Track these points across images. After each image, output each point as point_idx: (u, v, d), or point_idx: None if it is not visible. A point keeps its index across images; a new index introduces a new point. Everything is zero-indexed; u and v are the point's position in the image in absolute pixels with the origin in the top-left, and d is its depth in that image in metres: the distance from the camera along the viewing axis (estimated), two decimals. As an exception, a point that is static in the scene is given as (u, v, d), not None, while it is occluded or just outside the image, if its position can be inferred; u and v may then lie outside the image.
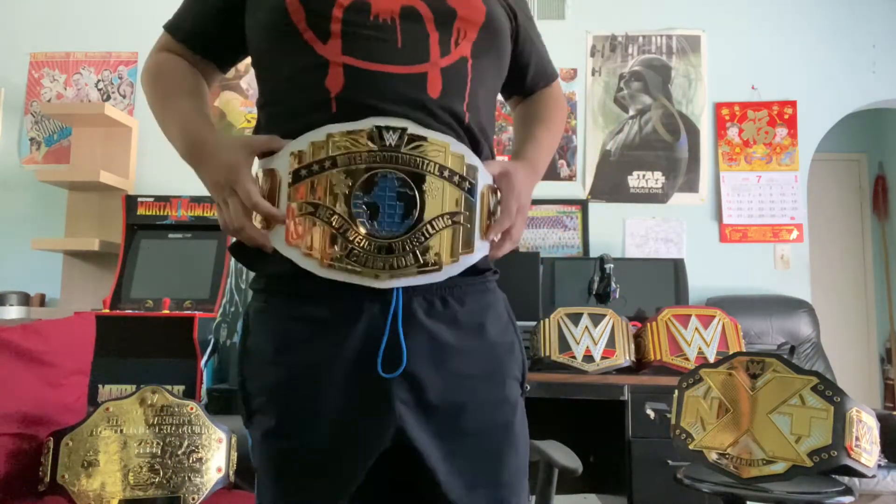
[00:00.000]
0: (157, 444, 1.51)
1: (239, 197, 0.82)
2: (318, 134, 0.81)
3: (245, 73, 3.57)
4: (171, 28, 1.01)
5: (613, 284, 2.73)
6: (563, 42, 3.50)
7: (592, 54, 3.53)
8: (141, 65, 3.53)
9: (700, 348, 2.39)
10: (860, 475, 1.53)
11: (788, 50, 3.47)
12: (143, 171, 3.48)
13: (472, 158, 0.86)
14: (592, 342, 2.43)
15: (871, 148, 4.72)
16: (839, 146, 4.56)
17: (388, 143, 0.80)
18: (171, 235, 3.09)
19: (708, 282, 3.27)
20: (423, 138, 0.82)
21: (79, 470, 1.46)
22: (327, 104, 0.83)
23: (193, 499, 1.49)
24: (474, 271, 0.89)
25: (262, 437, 0.87)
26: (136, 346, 2.71)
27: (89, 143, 3.41)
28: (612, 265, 2.74)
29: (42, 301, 3.36)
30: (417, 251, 0.81)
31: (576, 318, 2.48)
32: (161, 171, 3.47)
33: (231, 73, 3.55)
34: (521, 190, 0.90)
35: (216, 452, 1.54)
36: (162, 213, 3.08)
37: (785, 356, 1.67)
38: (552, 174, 3.43)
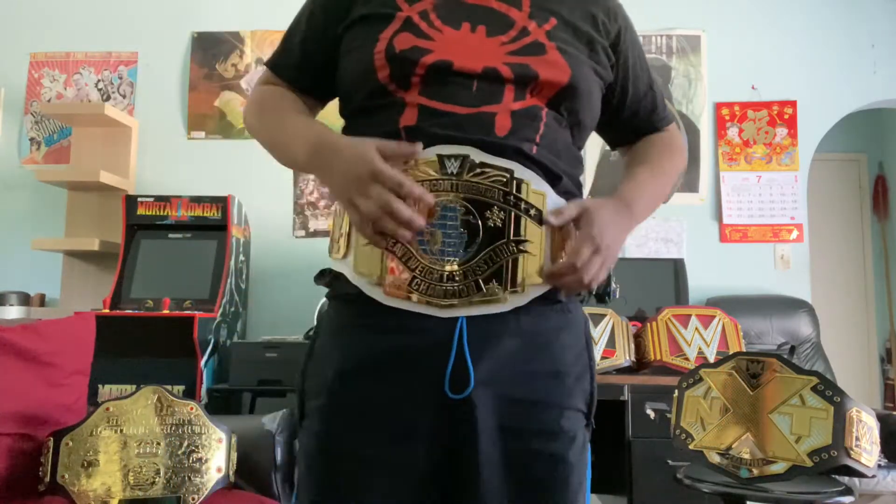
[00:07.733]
0: (157, 444, 1.51)
1: (383, 182, 0.77)
2: None
3: (245, 73, 3.56)
4: (273, 66, 1.01)
5: (613, 284, 2.72)
6: (563, 42, 3.50)
7: (592, 54, 3.53)
8: (141, 65, 3.55)
9: (700, 348, 2.38)
10: (860, 475, 1.53)
11: (788, 50, 3.47)
12: (143, 171, 3.48)
13: (539, 184, 0.82)
14: (592, 342, 2.43)
15: (871, 148, 4.71)
16: (839, 146, 4.55)
17: (449, 171, 0.79)
18: (171, 235, 3.09)
19: (708, 282, 3.27)
20: (486, 164, 0.80)
21: (79, 470, 1.45)
22: (397, 135, 0.83)
23: (193, 499, 1.49)
24: (551, 299, 0.84)
25: (314, 435, 0.86)
26: (136, 346, 2.71)
27: (89, 143, 3.41)
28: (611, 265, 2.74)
29: (42, 301, 3.36)
30: (480, 280, 0.79)
31: (576, 318, 2.48)
32: (161, 171, 3.47)
33: (231, 72, 3.55)
34: (603, 230, 0.82)
35: (216, 452, 1.54)
36: (162, 213, 3.08)
37: (785, 356, 1.67)
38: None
